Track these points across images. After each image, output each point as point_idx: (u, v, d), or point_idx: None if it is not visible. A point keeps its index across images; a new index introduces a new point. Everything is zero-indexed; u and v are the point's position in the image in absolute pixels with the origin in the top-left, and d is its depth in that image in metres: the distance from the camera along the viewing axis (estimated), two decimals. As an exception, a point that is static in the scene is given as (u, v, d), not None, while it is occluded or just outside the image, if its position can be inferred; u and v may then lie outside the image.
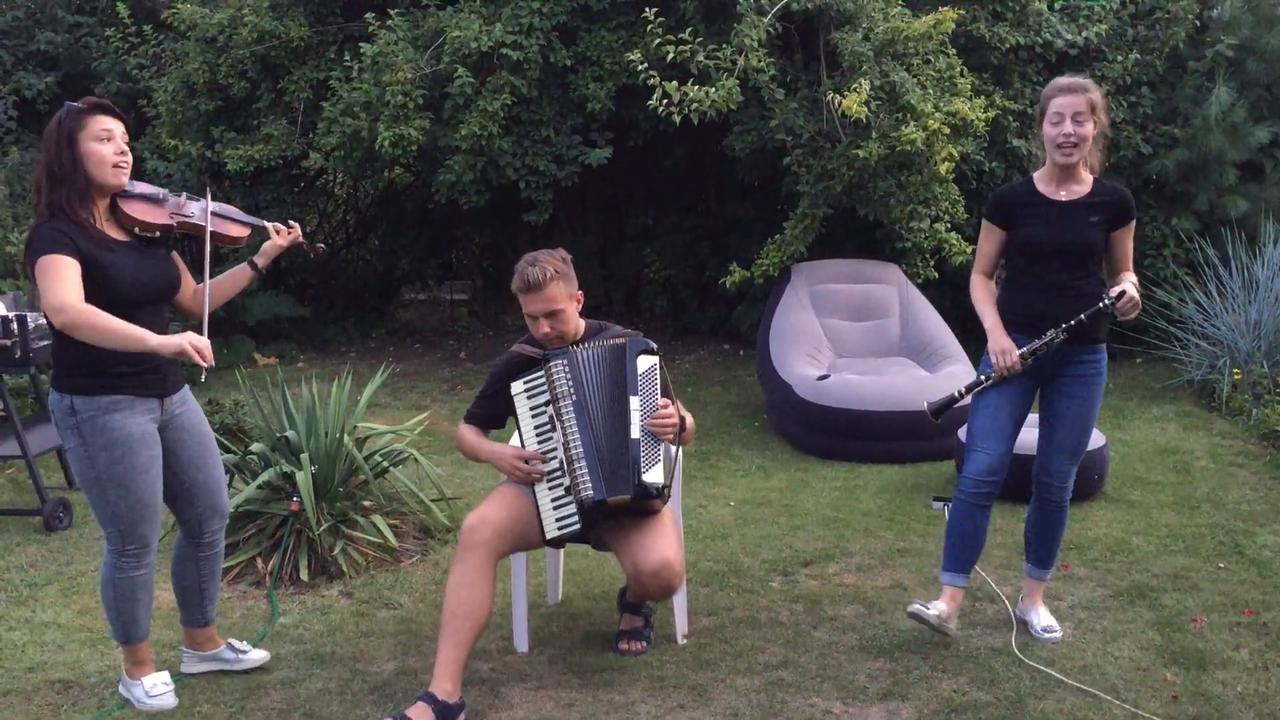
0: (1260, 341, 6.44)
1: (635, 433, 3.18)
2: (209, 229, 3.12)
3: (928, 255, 6.81)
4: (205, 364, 2.81)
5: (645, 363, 3.25)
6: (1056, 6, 7.52)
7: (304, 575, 4.04)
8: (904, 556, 4.30)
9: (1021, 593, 3.72)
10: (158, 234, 3.05)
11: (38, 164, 2.92)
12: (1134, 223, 3.42)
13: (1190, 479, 5.20)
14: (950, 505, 3.57)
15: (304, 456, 4.19)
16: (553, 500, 3.21)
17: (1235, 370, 6.44)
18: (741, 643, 3.55)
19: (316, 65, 7.75)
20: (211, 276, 3.16)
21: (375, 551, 4.24)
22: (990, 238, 3.52)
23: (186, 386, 3.20)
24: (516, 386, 3.30)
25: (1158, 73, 7.78)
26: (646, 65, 6.25)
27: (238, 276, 3.29)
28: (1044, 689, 3.22)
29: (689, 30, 6.45)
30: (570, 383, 3.21)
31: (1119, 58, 7.56)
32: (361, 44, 7.18)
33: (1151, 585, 3.94)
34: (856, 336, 6.51)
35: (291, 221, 3.34)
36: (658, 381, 3.28)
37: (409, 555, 4.33)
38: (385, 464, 4.53)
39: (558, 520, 3.20)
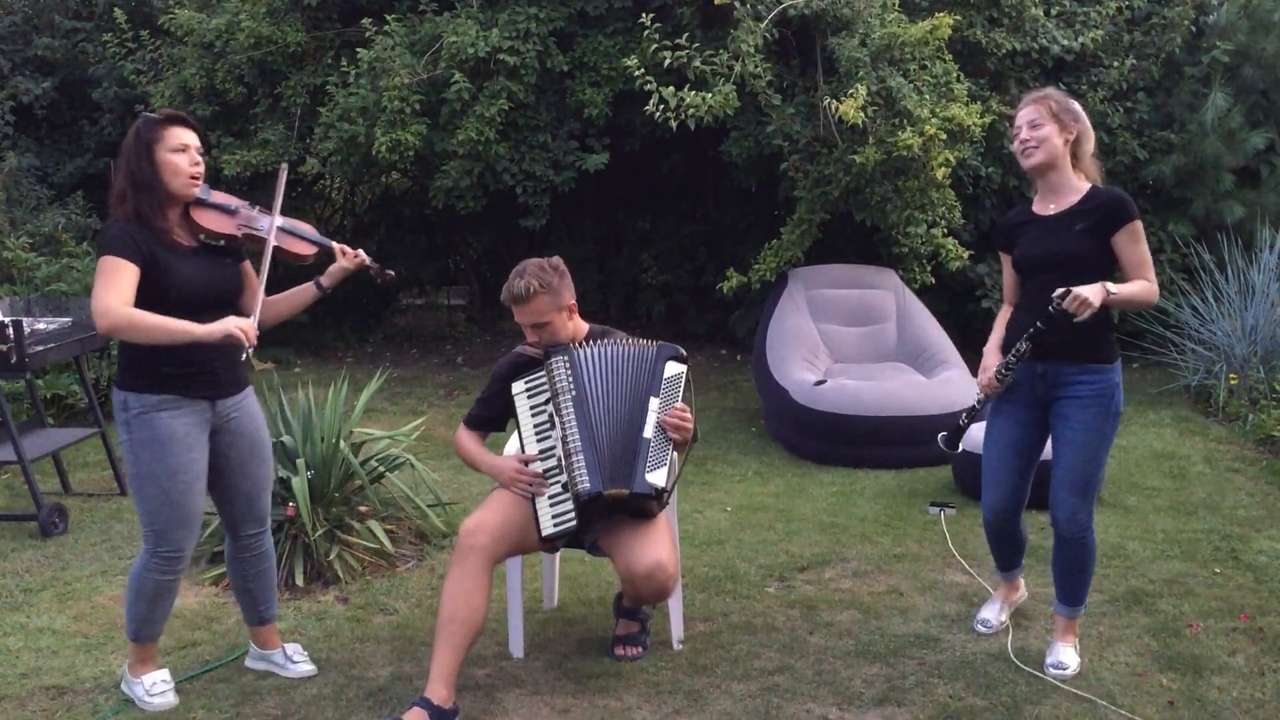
0: (1256, 347, 6.45)
1: (648, 432, 3.19)
2: (272, 242, 3.19)
3: (925, 260, 6.81)
4: (249, 345, 2.95)
5: (673, 369, 3.28)
6: (1053, 12, 7.53)
7: (300, 581, 4.04)
8: (900, 562, 4.29)
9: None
10: (223, 242, 3.15)
11: (119, 171, 3.05)
12: (1133, 225, 3.17)
13: (1187, 484, 5.20)
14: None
15: (300, 462, 4.18)
16: (549, 498, 3.21)
17: (1231, 375, 6.45)
18: (737, 648, 3.55)
19: (313, 70, 7.77)
20: (275, 293, 3.28)
21: (371, 557, 4.23)
22: (1006, 266, 3.48)
23: (250, 389, 3.26)
24: (518, 386, 3.33)
25: (1154, 78, 7.79)
26: (644, 71, 6.26)
27: (303, 295, 3.34)
28: (1040, 694, 3.21)
29: (686, 36, 6.45)
30: (570, 379, 3.22)
31: (1115, 63, 7.57)
32: (358, 49, 7.19)
33: (1148, 590, 3.94)
34: (853, 342, 6.51)
35: (358, 250, 3.32)
36: (680, 389, 3.29)
37: (405, 561, 4.32)
38: (381, 469, 4.53)
39: (554, 518, 3.20)
